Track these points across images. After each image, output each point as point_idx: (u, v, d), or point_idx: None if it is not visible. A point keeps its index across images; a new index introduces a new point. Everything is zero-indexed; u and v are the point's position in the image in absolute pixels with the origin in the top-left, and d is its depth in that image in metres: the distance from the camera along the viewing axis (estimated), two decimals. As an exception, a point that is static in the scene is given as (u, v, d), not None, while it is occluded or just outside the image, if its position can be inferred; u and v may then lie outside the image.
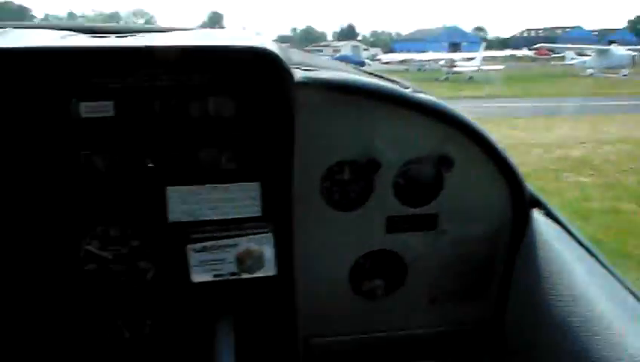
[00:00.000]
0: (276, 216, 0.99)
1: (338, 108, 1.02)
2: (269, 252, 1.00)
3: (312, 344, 1.11)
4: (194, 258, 0.98)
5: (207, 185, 0.95)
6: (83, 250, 0.97)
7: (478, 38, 63.91)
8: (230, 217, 0.97)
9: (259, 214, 0.98)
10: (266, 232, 0.99)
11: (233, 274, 1.00)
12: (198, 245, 0.98)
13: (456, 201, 1.09)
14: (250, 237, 0.99)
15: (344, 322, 1.12)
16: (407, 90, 1.04)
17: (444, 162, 1.06)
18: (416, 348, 1.17)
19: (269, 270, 1.00)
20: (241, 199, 0.97)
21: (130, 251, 0.99)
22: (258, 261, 1.00)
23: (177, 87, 0.87)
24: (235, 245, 0.99)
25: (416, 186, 1.08)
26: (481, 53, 25.37)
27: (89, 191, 0.91)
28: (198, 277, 0.99)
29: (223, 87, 0.89)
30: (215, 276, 0.99)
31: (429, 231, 1.10)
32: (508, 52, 34.67)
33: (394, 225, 1.09)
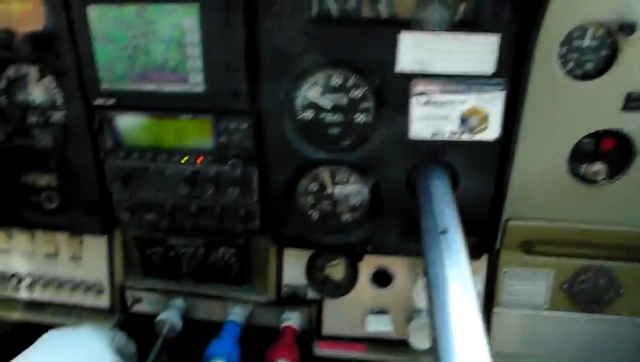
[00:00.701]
0: (510, 76, 0.91)
1: None
2: (496, 114, 0.93)
3: (511, 227, 1.05)
4: (416, 112, 0.94)
5: (443, 33, 0.88)
6: (302, 93, 0.97)
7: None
8: (461, 71, 0.91)
9: (492, 71, 0.91)
10: (499, 90, 0.91)
11: (453, 133, 0.95)
12: (423, 98, 0.94)
13: None
14: (480, 95, 0.92)
15: (554, 206, 1.04)
16: None
17: None
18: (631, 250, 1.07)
19: (492, 133, 0.94)
20: (476, 52, 0.90)
21: (349, 102, 0.98)
22: (483, 121, 0.94)
23: None
24: (462, 102, 0.93)
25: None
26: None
27: (314, 35, 0.90)
28: (417, 133, 0.96)
29: None
30: (434, 134, 0.96)
31: None
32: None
33: (633, 103, 0.97)
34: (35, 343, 0.99)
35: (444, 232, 0.78)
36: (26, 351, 0.97)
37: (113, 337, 1.08)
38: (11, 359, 1.54)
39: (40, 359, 0.96)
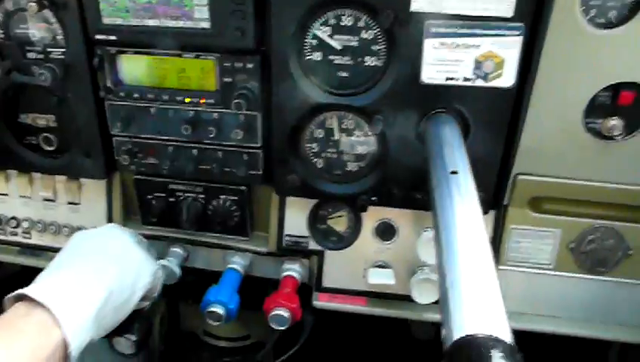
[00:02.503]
0: (529, 20, 0.87)
1: None
2: (511, 60, 0.90)
3: (521, 182, 1.02)
4: (429, 54, 0.91)
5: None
6: (311, 33, 0.93)
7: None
8: (477, 14, 0.87)
9: (510, 15, 0.87)
10: (516, 35, 0.88)
11: (467, 79, 0.92)
12: (436, 40, 0.90)
13: None
14: (496, 39, 0.89)
15: (567, 162, 1.01)
16: None
17: None
18: None
19: (507, 80, 0.91)
20: (494, -8, 0.85)
21: (360, 43, 0.94)
22: (498, 67, 0.90)
23: None
24: (477, 46, 0.89)
25: None
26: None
27: None
28: (429, 78, 0.92)
29: None
30: (447, 78, 0.92)
31: None
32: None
33: None
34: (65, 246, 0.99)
35: (454, 172, 0.75)
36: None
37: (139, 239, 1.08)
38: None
39: (66, 257, 0.95)
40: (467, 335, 0.50)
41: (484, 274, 0.59)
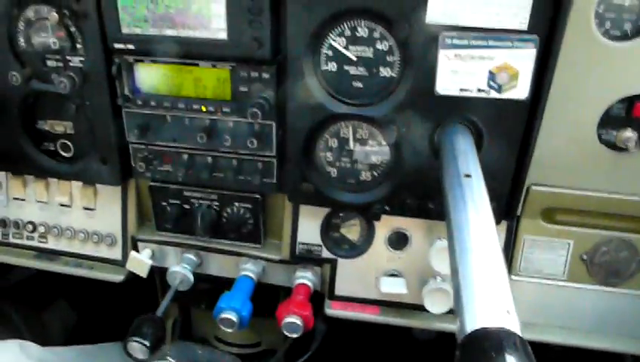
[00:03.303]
0: (544, 33, 0.88)
1: None
2: (526, 72, 0.90)
3: (534, 193, 1.02)
4: (444, 66, 0.91)
5: (477, -16, 0.85)
6: (327, 43, 0.95)
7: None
8: (491, 26, 0.88)
9: (524, 27, 0.87)
10: (530, 47, 0.88)
11: (481, 90, 0.92)
12: (450, 52, 0.90)
13: None
14: (510, 51, 0.89)
15: (580, 174, 1.01)
16: None
17: None
18: None
19: (521, 92, 0.91)
20: (510, 6, 0.86)
21: (375, 54, 0.95)
22: (512, 79, 0.91)
23: None
24: (491, 57, 0.90)
25: None
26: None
27: None
28: (443, 89, 0.93)
29: None
30: (461, 90, 0.93)
31: None
32: None
33: None
34: None
35: (468, 176, 0.76)
36: None
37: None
38: (26, 305, 1.55)
39: None
40: (480, 328, 0.53)
41: (495, 270, 0.61)
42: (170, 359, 0.54)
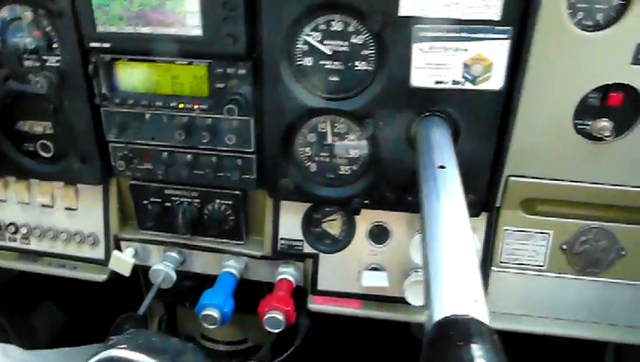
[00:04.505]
0: (516, 23, 0.88)
1: None
2: (500, 63, 0.91)
3: (512, 184, 1.03)
4: (418, 58, 0.92)
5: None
6: (302, 38, 0.95)
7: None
8: (465, 17, 0.88)
9: (497, 18, 0.88)
10: (504, 38, 0.89)
11: (456, 82, 0.93)
12: (424, 45, 0.91)
13: None
14: (484, 42, 0.90)
15: (558, 164, 1.01)
16: None
17: None
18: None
19: (496, 83, 0.92)
20: (480, -3, 0.86)
21: (350, 48, 0.95)
22: (486, 70, 0.91)
23: None
24: (465, 49, 0.90)
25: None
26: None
27: None
28: (419, 81, 0.93)
29: None
30: (436, 82, 0.93)
31: None
32: None
33: None
34: None
35: (442, 167, 0.77)
36: None
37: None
38: (12, 308, 1.55)
39: None
40: (448, 316, 0.53)
41: (464, 260, 0.61)
42: (121, 346, 0.54)
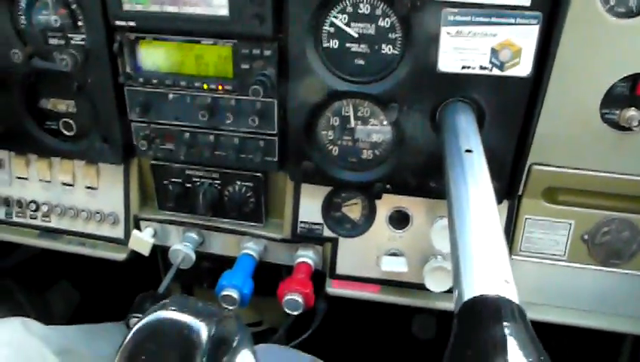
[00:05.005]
0: (547, 9, 0.87)
1: None
2: (529, 49, 0.90)
3: (535, 172, 1.02)
4: (446, 43, 0.91)
5: (480, -41, 0.84)
6: (329, 20, 0.94)
7: None
8: (494, 2, 0.87)
9: (527, 3, 0.87)
10: (533, 24, 0.87)
11: (483, 68, 0.92)
12: (453, 29, 0.90)
13: None
14: (513, 27, 0.88)
15: (583, 153, 1.00)
16: None
17: None
18: None
19: (524, 69, 0.91)
20: (512, -20, 0.85)
21: (377, 31, 0.94)
22: (515, 56, 0.90)
23: None
24: (493, 34, 0.89)
25: None
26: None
27: None
28: (445, 66, 0.93)
29: None
30: (463, 67, 0.92)
31: None
32: None
33: None
34: None
35: (469, 151, 0.77)
36: None
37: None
38: (30, 285, 1.57)
39: None
40: (477, 296, 0.53)
41: (493, 241, 0.61)
42: (173, 307, 0.56)
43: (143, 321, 0.54)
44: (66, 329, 1.11)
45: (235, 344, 0.57)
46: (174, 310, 0.56)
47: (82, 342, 1.07)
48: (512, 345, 0.47)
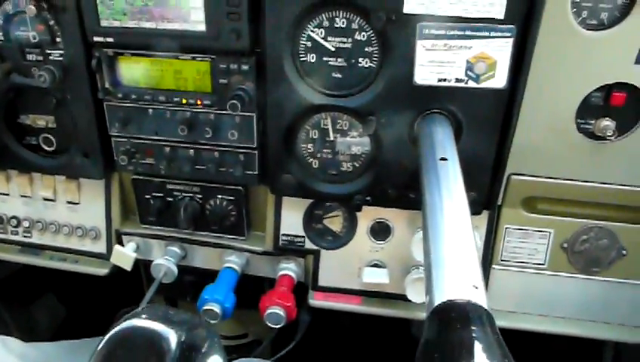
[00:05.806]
0: (520, 22, 0.88)
1: None
2: (503, 61, 0.91)
3: (514, 182, 1.03)
4: (422, 56, 0.92)
5: (453, -26, 0.85)
6: (305, 34, 0.95)
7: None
8: (468, 15, 0.88)
9: (501, 17, 0.88)
10: (507, 37, 0.89)
11: (459, 80, 0.93)
12: (428, 42, 0.91)
13: None
14: (487, 40, 0.90)
15: (560, 163, 1.01)
16: None
17: None
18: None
19: (499, 81, 0.92)
20: (485, -6, 0.86)
21: (353, 44, 0.95)
22: (490, 69, 0.91)
23: None
24: (468, 47, 0.90)
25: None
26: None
27: None
28: (422, 79, 0.93)
29: None
30: (440, 80, 0.93)
31: None
32: None
33: None
34: None
35: (444, 159, 0.77)
36: None
37: None
38: (14, 300, 1.56)
39: None
40: (447, 301, 0.54)
41: (464, 247, 0.62)
42: (144, 316, 0.57)
43: (115, 329, 0.55)
44: (45, 345, 1.10)
45: (204, 349, 0.58)
46: (146, 318, 0.56)
47: (61, 358, 1.06)
48: (479, 349, 0.48)
